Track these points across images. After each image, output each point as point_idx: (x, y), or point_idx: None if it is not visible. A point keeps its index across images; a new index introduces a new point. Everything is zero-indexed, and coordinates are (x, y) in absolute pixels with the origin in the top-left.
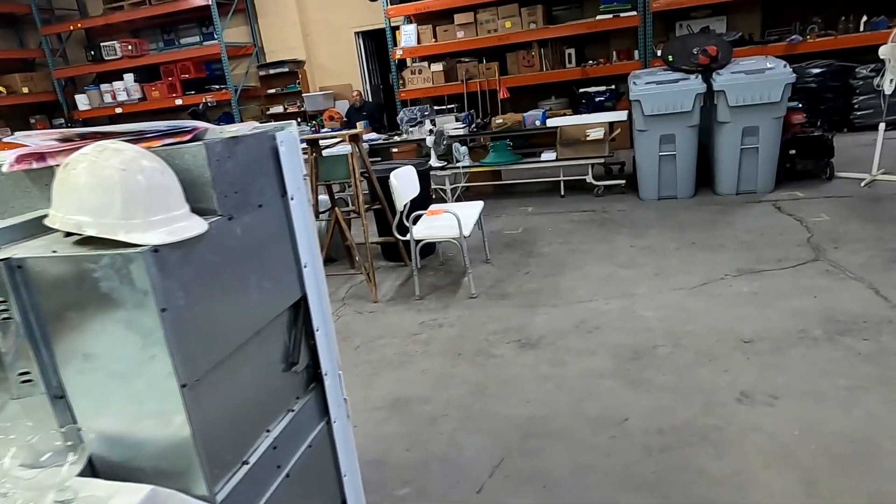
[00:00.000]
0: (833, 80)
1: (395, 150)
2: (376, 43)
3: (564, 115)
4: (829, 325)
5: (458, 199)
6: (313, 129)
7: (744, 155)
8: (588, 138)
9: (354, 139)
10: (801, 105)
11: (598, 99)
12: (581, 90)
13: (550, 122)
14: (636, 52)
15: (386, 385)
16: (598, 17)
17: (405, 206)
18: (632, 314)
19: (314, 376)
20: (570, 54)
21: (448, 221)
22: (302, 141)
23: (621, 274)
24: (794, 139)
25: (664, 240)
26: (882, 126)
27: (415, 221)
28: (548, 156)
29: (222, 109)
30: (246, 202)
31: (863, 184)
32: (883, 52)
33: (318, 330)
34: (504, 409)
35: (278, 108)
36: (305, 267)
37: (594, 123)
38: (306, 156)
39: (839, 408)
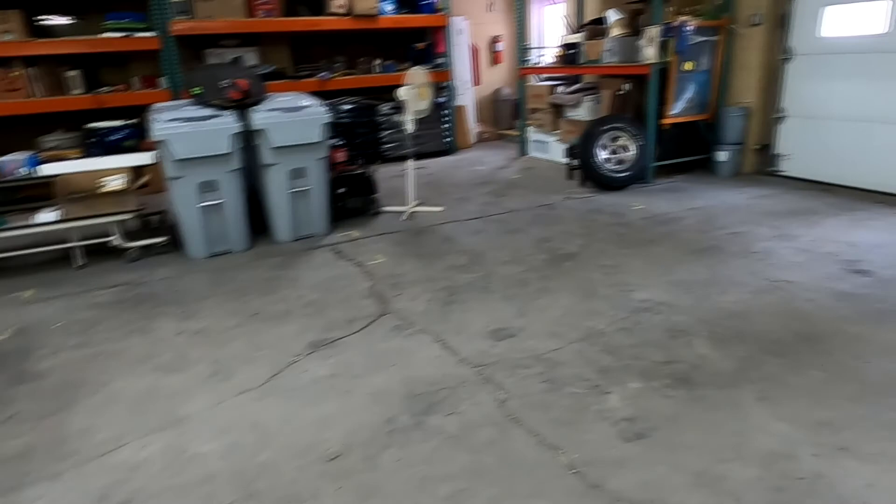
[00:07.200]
0: (362, 115)
1: None
2: None
3: (70, 156)
4: (413, 403)
5: None
6: None
7: (296, 198)
8: (104, 189)
9: None
10: (342, 142)
11: (111, 138)
12: (89, 126)
13: (46, 170)
14: (162, 80)
15: None
16: (107, 35)
17: None
18: (182, 457)
19: None
20: (73, 77)
21: None
22: None
23: (166, 383)
24: (340, 177)
25: (221, 315)
26: (411, 161)
27: None
28: (46, 216)
29: None
30: None
31: (402, 217)
32: (400, 94)
33: None
34: None
35: None
36: None
37: (109, 170)
38: None
39: None
